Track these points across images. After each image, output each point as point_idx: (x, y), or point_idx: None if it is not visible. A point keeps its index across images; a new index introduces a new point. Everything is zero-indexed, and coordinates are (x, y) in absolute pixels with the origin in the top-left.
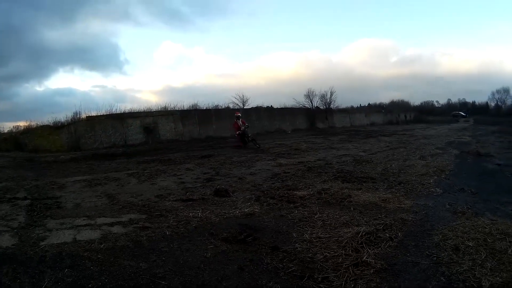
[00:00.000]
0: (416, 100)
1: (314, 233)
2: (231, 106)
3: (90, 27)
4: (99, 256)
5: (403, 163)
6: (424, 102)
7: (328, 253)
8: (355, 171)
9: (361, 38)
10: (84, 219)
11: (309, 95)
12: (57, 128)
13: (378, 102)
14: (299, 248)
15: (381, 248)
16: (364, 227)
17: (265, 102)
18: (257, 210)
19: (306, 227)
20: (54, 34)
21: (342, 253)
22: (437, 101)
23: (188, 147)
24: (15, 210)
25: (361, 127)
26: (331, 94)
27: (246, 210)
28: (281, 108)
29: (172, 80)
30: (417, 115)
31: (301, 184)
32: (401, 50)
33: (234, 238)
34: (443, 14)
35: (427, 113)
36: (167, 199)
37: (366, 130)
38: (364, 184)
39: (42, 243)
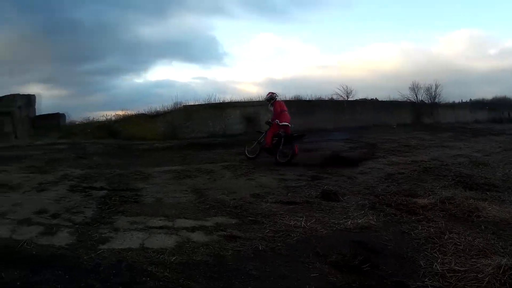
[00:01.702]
0: None
1: (446, 262)
2: (334, 97)
3: (184, 22)
4: (165, 274)
5: None
6: None
7: None
8: (474, 176)
9: (459, 29)
10: (161, 219)
11: (414, 88)
12: (153, 116)
13: (475, 97)
14: (430, 286)
15: None
16: (505, 259)
17: (368, 95)
18: (373, 222)
19: (436, 253)
20: (149, 30)
21: None
22: None
23: None
24: (86, 201)
25: (465, 124)
26: (436, 87)
27: (359, 220)
28: (386, 101)
29: (272, 72)
30: None
31: (419, 189)
32: (501, 41)
33: (346, 263)
34: None
35: None
36: (264, 199)
37: (472, 128)
38: (488, 193)
39: (101, 247)
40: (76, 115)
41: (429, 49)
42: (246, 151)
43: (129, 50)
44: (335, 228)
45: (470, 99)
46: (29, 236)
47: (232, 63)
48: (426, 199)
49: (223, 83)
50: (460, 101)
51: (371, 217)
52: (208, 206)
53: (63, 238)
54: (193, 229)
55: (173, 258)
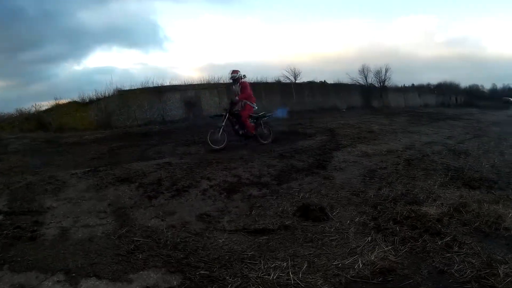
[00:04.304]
0: (460, 83)
1: None
2: (282, 80)
3: (125, 6)
4: None
5: (503, 158)
6: (473, 85)
7: None
8: (464, 169)
9: (406, 15)
10: (59, 280)
11: (363, 71)
12: (84, 104)
13: (419, 83)
14: None
15: None
16: None
17: (316, 78)
18: (392, 258)
19: None
20: (89, 15)
21: None
22: (481, 85)
23: None
24: None
25: (415, 107)
26: (386, 71)
27: (372, 257)
28: (335, 84)
29: (214, 57)
30: (466, 98)
31: (416, 190)
32: (446, 29)
33: None
34: None
35: (476, 97)
36: (219, 225)
37: (425, 112)
38: (494, 192)
39: None
40: (13, 107)
41: (376, 34)
42: (209, 141)
43: (69, 36)
44: (344, 280)
45: (412, 84)
46: None
47: (173, 48)
48: (434, 207)
49: (164, 69)
50: (404, 85)
51: (385, 248)
52: (133, 245)
53: None
54: None
55: None
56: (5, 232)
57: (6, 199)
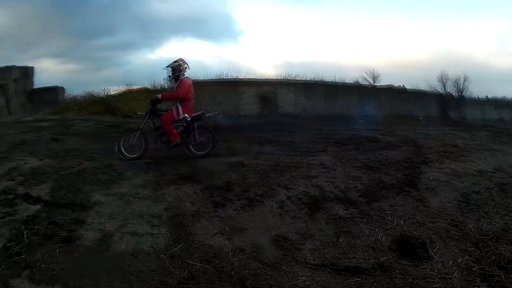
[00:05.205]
0: None
1: None
2: (360, 81)
3: None
4: None
5: None
6: None
7: None
8: None
9: (479, 19)
10: None
11: (442, 79)
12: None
13: (493, 95)
14: None
15: None
16: None
17: (394, 82)
18: None
19: None
20: (163, 6)
21: None
22: None
23: (313, 125)
24: None
25: (491, 121)
26: (465, 80)
27: None
28: (414, 91)
29: (291, 54)
30: None
31: None
32: None
33: None
34: None
35: None
36: (299, 254)
37: (503, 128)
38: None
39: None
40: (82, 90)
41: (448, 38)
42: (121, 148)
43: (143, 25)
44: None
45: (487, 96)
46: None
47: (248, 42)
48: None
49: (238, 63)
50: (478, 96)
51: None
52: (187, 272)
53: None
54: None
55: None
56: (37, 226)
57: (51, 185)
